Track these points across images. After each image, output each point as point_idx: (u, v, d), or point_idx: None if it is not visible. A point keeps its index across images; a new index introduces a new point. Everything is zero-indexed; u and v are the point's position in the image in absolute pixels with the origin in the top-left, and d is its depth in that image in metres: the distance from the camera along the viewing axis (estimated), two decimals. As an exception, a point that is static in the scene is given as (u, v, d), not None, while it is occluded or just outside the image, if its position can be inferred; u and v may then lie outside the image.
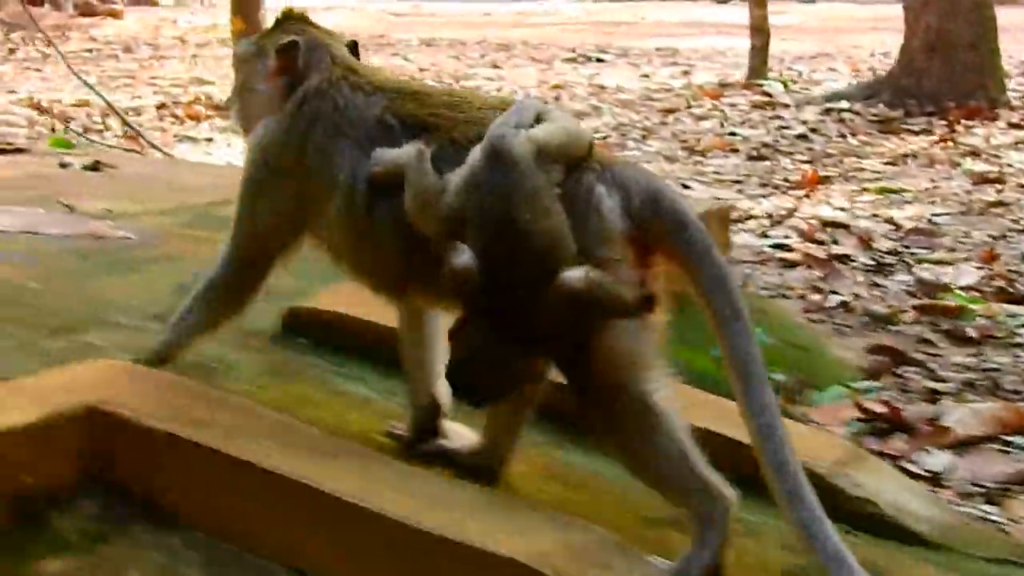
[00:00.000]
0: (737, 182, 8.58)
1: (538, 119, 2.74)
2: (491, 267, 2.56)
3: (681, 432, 2.63)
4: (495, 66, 16.72)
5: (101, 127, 10.75)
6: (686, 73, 16.12)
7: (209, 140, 10.26)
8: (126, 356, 3.34)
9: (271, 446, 2.77)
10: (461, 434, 3.07)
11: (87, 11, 20.73)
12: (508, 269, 2.56)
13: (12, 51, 17.49)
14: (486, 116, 2.77)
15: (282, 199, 3.00)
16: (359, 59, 3.12)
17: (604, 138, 10.40)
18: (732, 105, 12.25)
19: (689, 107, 12.16)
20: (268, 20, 13.55)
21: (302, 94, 2.98)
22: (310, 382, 3.42)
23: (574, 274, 2.52)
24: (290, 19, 3.18)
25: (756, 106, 12.16)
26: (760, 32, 14.08)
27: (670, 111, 11.94)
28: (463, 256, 2.57)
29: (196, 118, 11.44)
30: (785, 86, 13.71)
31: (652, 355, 2.66)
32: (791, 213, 7.25)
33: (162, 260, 4.12)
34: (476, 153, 2.65)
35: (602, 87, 14.37)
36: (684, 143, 10.15)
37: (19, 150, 6.34)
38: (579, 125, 2.86)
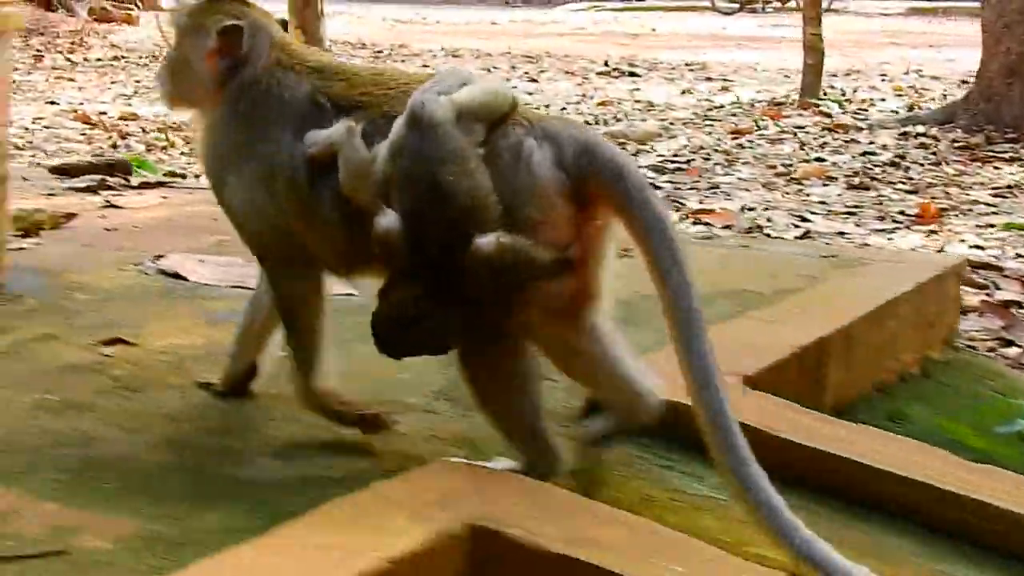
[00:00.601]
0: (850, 214, 8.27)
1: (463, 86, 2.78)
2: (415, 229, 2.63)
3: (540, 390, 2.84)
4: (532, 80, 16.40)
5: (164, 143, 10.37)
6: (725, 89, 15.83)
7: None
8: (433, 444, 3.05)
9: (682, 572, 2.46)
10: None
11: (103, 17, 20.32)
12: (431, 230, 2.63)
13: (39, 59, 17.04)
14: (413, 90, 2.79)
15: (248, 190, 2.98)
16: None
17: (688, 162, 10.10)
18: (799, 127, 11.95)
19: (758, 128, 11.86)
20: (328, 32, 13.28)
21: (237, 87, 3.01)
22: (643, 478, 3.11)
23: (486, 240, 2.59)
24: None
25: (827, 128, 11.86)
26: (814, 51, 13.79)
27: (740, 132, 11.64)
28: (387, 218, 2.65)
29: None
30: (840, 106, 13.45)
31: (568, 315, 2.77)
32: (940, 253, 6.94)
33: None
34: (399, 121, 2.72)
35: (651, 104, 14.06)
36: (772, 168, 9.84)
37: (161, 183, 5.98)
38: (503, 86, 2.97)
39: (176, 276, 4.25)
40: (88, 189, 5.55)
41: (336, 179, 2.81)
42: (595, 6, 31.08)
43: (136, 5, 21.47)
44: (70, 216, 4.91)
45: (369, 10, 29.08)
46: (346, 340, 3.62)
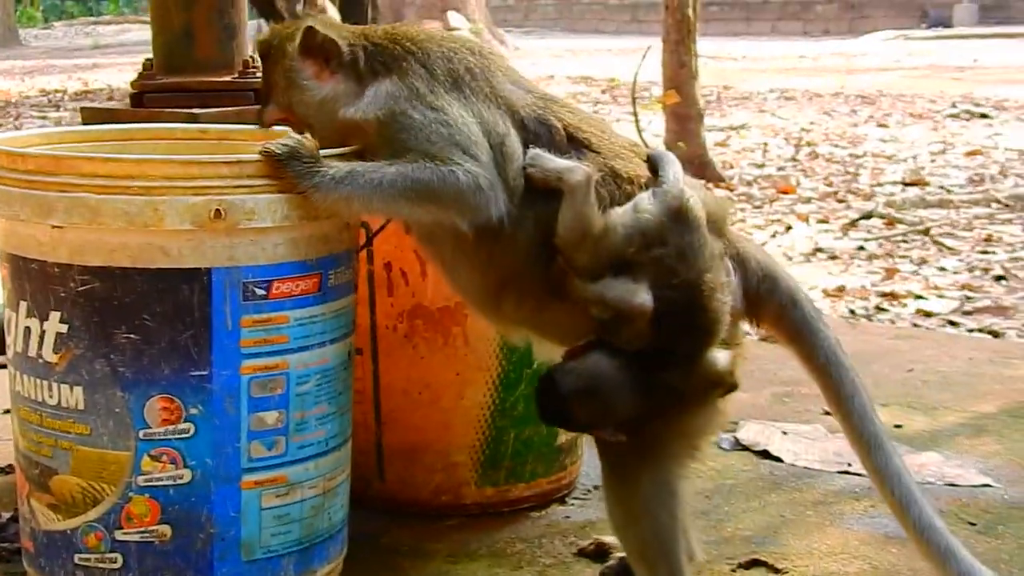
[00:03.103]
0: None
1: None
2: (661, 319, 2.52)
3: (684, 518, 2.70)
4: (880, 125, 15.47)
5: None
6: (1100, 130, 14.63)
7: (789, 228, 9.15)
8: None
9: None
10: None
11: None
12: (677, 328, 2.53)
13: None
14: (627, 153, 2.69)
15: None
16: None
17: None
18: None
19: None
20: (699, 92, 12.57)
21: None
22: None
23: (723, 356, 2.61)
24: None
25: None
26: None
27: None
28: (646, 296, 2.52)
29: (786, 191, 10.58)
30: None
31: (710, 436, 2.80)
32: None
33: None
34: (649, 203, 2.58)
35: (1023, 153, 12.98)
36: None
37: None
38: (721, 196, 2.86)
39: (765, 455, 3.59)
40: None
41: (546, 207, 2.59)
42: (903, 35, 29.85)
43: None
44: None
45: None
46: None
